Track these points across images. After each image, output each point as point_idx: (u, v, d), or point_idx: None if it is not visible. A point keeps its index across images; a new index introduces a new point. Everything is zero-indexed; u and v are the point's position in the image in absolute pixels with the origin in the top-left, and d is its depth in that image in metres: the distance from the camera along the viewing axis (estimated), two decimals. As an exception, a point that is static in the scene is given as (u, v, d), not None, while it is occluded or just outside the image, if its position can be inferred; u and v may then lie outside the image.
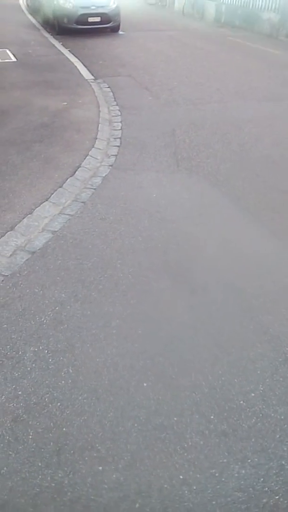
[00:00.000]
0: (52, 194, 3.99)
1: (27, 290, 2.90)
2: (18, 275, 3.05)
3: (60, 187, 4.12)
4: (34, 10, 16.04)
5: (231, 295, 2.90)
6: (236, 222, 3.75)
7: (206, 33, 13.34)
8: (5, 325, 2.61)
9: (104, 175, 4.42)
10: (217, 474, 1.87)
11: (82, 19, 11.63)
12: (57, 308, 2.75)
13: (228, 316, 2.72)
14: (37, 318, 2.67)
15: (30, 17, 15.70)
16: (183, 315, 2.73)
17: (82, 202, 3.94)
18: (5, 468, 1.86)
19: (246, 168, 4.70)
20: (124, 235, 3.50)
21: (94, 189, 4.17)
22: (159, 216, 3.76)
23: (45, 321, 2.65)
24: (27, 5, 18.03)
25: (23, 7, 18.71)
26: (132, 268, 3.13)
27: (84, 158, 4.68)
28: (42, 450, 1.94)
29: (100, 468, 1.88)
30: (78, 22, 11.67)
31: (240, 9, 13.88)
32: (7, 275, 3.05)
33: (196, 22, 15.26)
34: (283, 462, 1.93)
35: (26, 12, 17.23)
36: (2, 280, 3.00)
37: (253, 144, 5.30)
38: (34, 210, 3.74)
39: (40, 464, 1.88)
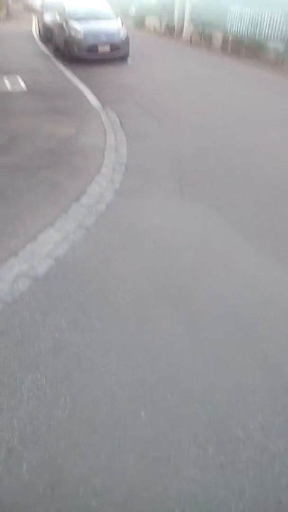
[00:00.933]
0: (57, 220, 4.03)
1: (27, 317, 2.89)
2: (20, 301, 3.05)
3: (65, 213, 4.15)
4: (46, 39, 16.51)
5: (231, 322, 2.88)
6: (239, 249, 3.74)
7: (213, 61, 13.60)
8: (4, 353, 2.60)
9: (108, 201, 4.46)
10: (214, 509, 1.82)
11: (92, 48, 11.94)
12: (56, 335, 2.74)
13: (228, 344, 2.69)
14: (36, 346, 2.66)
15: (42, 46, 16.16)
16: (183, 343, 2.70)
17: (86, 228, 3.97)
18: (-3, 502, 1.83)
19: (250, 195, 4.71)
20: (126, 262, 3.50)
21: (99, 215, 4.20)
22: (162, 243, 3.77)
23: (44, 348, 2.63)
24: (39, 34, 18.59)
25: (36, 36, 19.30)
26: (133, 295, 3.12)
27: (90, 184, 4.73)
28: (36, 484, 1.90)
29: (95, 503, 1.84)
30: (88, 51, 11.98)
31: (247, 39, 14.16)
32: (9, 302, 3.05)
33: (203, 52, 15.58)
34: (282, 498, 1.87)
35: (38, 41, 17.76)
36: (3, 307, 3.00)
37: (257, 171, 5.33)
38: (38, 236, 3.77)
39: (32, 500, 1.84)
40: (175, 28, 19.18)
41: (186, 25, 18.27)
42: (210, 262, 3.54)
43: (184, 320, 2.90)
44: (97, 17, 12.86)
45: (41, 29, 18.06)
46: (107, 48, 12.03)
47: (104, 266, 3.45)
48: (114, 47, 12.10)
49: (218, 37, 15.76)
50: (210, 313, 2.97)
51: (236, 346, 2.68)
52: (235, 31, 14.88)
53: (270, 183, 5.00)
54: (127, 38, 12.52)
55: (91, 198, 4.47)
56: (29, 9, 36.99)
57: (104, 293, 3.13)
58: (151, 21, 21.81)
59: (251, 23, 13.97)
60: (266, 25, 13.32)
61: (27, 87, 9.14)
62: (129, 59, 12.71)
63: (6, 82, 9.43)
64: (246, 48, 14.09)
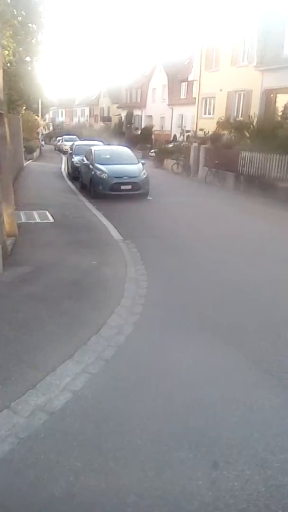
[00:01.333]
0: (76, 351, 4.07)
1: (42, 456, 2.80)
2: (34, 438, 2.98)
3: (85, 344, 4.21)
4: (73, 177, 18.17)
5: (253, 465, 2.73)
6: (259, 386, 3.68)
7: (227, 199, 14.64)
8: (15, 496, 2.48)
9: (128, 333, 4.53)
10: None
11: (115, 187, 13.04)
12: (71, 478, 2.62)
13: (247, 487, 2.53)
14: (49, 489, 2.54)
15: (69, 183, 17.74)
16: (203, 492, 2.55)
17: (105, 360, 3.99)
18: None
19: (268, 329, 4.75)
20: (145, 397, 3.46)
21: (118, 347, 4.25)
22: (181, 379, 3.74)
23: (56, 493, 2.51)
24: (68, 172, 20.51)
25: (64, 174, 21.29)
26: (152, 435, 3.03)
27: (110, 316, 4.86)
28: None
29: None
30: (111, 189, 13.07)
31: (257, 179, 15.39)
32: (23, 438, 2.98)
33: (217, 190, 16.85)
34: None
35: (66, 178, 19.54)
36: (18, 443, 2.92)
37: (275, 305, 5.44)
38: (57, 367, 3.79)
39: None
40: (191, 168, 21.00)
41: (201, 165, 20.03)
42: (231, 399, 3.47)
43: (204, 465, 2.76)
44: (120, 161, 14.26)
45: (69, 168, 20.00)
46: (129, 187, 13.13)
47: (122, 401, 3.41)
48: (136, 186, 13.20)
49: (230, 177, 17.15)
50: (232, 457, 2.84)
51: (257, 490, 2.52)
52: (246, 171, 16.24)
53: None
54: (147, 178, 13.71)
55: (111, 329, 4.56)
56: (59, 150, 41.35)
57: (122, 432, 3.05)
58: (169, 162, 23.99)
59: (261, 165, 15.32)
60: (275, 166, 14.58)
61: (54, 220, 9.85)
62: (150, 196, 13.75)
63: (36, 215, 10.21)
64: (258, 187, 15.23)
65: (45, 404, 3.34)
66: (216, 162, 18.14)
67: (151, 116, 44.24)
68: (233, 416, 3.28)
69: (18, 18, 12.38)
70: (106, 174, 13.18)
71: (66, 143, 37.09)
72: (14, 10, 12.00)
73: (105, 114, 59.23)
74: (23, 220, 9.61)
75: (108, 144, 19.50)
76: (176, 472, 2.71)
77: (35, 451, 2.85)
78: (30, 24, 12.84)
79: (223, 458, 2.85)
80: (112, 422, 3.16)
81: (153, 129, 41.33)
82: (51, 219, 9.95)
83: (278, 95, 21.22)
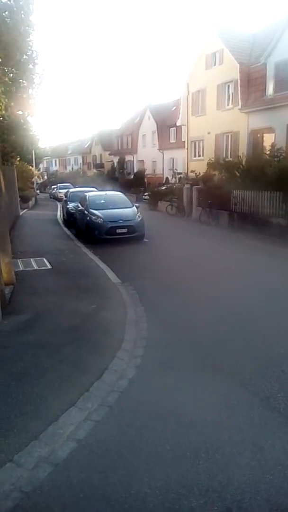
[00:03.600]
0: (79, 398, 3.99)
1: (47, 511, 2.69)
2: (39, 492, 2.87)
3: (87, 391, 4.13)
4: (69, 223, 18.36)
5: (267, 511, 2.63)
6: (267, 425, 3.59)
7: (222, 237, 14.79)
8: None
9: (130, 377, 4.46)
10: None
11: (111, 231, 13.16)
12: (79, 533, 2.51)
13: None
14: None
15: (65, 229, 17.91)
16: None
17: (108, 406, 3.91)
18: None
19: (272, 365, 4.69)
20: (151, 443, 3.37)
21: (121, 392, 4.17)
22: (187, 420, 3.65)
23: None
24: (64, 219, 20.74)
25: (60, 220, 21.53)
26: (160, 482, 2.93)
27: (112, 360, 4.79)
28: None
29: None
30: (107, 233, 13.18)
31: (250, 216, 15.61)
32: (28, 491, 2.87)
33: (211, 229, 17.03)
34: None
35: (62, 225, 19.74)
36: (22, 498, 2.82)
37: (275, 339, 5.39)
38: (59, 416, 3.70)
39: None
40: (185, 209, 21.30)
41: (194, 206, 20.33)
42: (240, 441, 3.38)
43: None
44: (115, 205, 14.47)
45: (65, 214, 20.26)
46: (124, 230, 13.24)
47: (128, 448, 3.31)
48: (131, 229, 13.32)
49: (224, 216, 17.38)
50: (245, 504, 2.74)
51: None
52: (239, 209, 16.48)
53: (290, 353, 5.01)
54: (142, 220, 13.87)
55: (113, 374, 4.49)
56: (54, 197, 42.05)
57: (129, 481, 2.95)
58: (163, 204, 24.35)
59: (253, 203, 15.57)
60: (267, 203, 14.82)
61: (52, 267, 9.88)
62: (145, 238, 13.86)
63: (33, 262, 10.24)
64: (251, 224, 15.42)
65: (49, 455, 3.25)
66: (209, 202, 18.43)
67: (142, 160, 45.27)
68: (243, 457, 3.19)
69: (10, 75, 12.86)
70: (101, 219, 13.34)
71: (61, 190, 37.81)
72: (5, 68, 12.47)
73: (98, 161, 60.62)
74: (21, 268, 9.63)
75: (102, 190, 19.83)
76: (188, 521, 2.61)
77: (40, 505, 2.75)
78: (20, 80, 13.32)
79: (236, 503, 2.75)
80: (118, 471, 3.06)
81: (145, 173, 42.19)
82: (49, 266, 9.98)
83: (264, 134, 21.87)
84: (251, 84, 22.31)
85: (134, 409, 3.86)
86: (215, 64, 24.99)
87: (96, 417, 3.74)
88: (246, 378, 4.43)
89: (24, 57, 12.60)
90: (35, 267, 9.87)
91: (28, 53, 12.74)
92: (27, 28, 11.97)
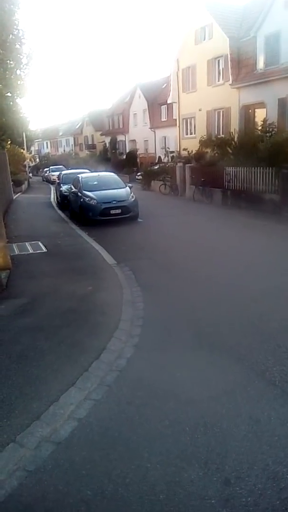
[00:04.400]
0: (78, 378, 4.05)
1: (51, 488, 2.76)
2: (42, 470, 2.94)
3: (86, 371, 4.19)
4: (63, 206, 18.28)
5: (265, 479, 2.71)
6: (263, 398, 3.67)
7: (216, 215, 14.80)
8: (28, 532, 2.45)
9: (128, 356, 4.52)
10: None
11: (105, 212, 13.13)
12: (82, 508, 2.59)
13: (261, 502, 2.51)
14: (62, 522, 2.50)
15: (59, 212, 17.84)
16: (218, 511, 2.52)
17: (107, 385, 3.97)
18: None
19: (267, 340, 4.76)
20: (150, 420, 3.44)
21: (119, 371, 4.23)
22: (185, 397, 3.72)
23: (70, 525, 2.47)
24: (57, 202, 20.63)
25: (54, 203, 21.42)
26: (160, 457, 3.01)
27: (109, 340, 4.85)
28: None
29: None
30: (101, 214, 13.16)
31: (243, 193, 15.59)
32: (31, 470, 2.94)
33: (205, 207, 17.01)
34: None
35: (56, 207, 19.65)
36: (26, 477, 2.89)
37: (270, 316, 5.46)
38: (60, 397, 3.76)
39: None
40: (178, 188, 21.22)
41: (187, 184, 20.26)
42: (237, 414, 3.45)
43: (215, 483, 2.74)
44: (108, 186, 14.40)
45: (58, 197, 20.14)
46: (118, 211, 13.21)
47: (128, 425, 3.38)
48: (125, 210, 13.29)
49: (217, 193, 17.35)
50: (243, 473, 2.82)
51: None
52: (232, 187, 16.45)
53: (285, 326, 5.07)
54: (135, 200, 13.84)
55: (111, 354, 4.55)
56: (47, 180, 41.75)
57: (130, 457, 3.02)
58: (156, 183, 24.23)
59: (246, 179, 15.53)
60: (259, 180, 14.79)
61: (47, 250, 9.89)
62: (140, 218, 13.84)
63: (28, 246, 10.24)
64: (244, 201, 15.41)
65: (51, 434, 3.31)
66: (202, 179, 18.37)
67: (134, 140, 44.87)
68: (240, 430, 3.27)
69: (-4, 56, 12.64)
70: (95, 200, 13.29)
71: (53, 173, 37.49)
72: (-9, 49, 12.25)
73: (90, 142, 60.01)
74: (16, 252, 9.63)
75: (95, 171, 19.69)
76: (188, 492, 2.69)
77: (44, 483, 2.82)
78: (8, 61, 13.09)
79: (234, 474, 2.83)
80: (119, 448, 3.13)
81: (137, 153, 41.85)
82: (44, 249, 9.98)
83: (256, 110, 21.67)
84: (241, 59, 22.00)
85: (133, 388, 3.92)
86: (204, 39, 24.54)
87: (95, 396, 3.80)
88: (242, 353, 4.49)
89: (11, 36, 12.36)
90: (31, 251, 9.87)
91: (14, 33, 12.50)
92: (11, 6, 11.71)
